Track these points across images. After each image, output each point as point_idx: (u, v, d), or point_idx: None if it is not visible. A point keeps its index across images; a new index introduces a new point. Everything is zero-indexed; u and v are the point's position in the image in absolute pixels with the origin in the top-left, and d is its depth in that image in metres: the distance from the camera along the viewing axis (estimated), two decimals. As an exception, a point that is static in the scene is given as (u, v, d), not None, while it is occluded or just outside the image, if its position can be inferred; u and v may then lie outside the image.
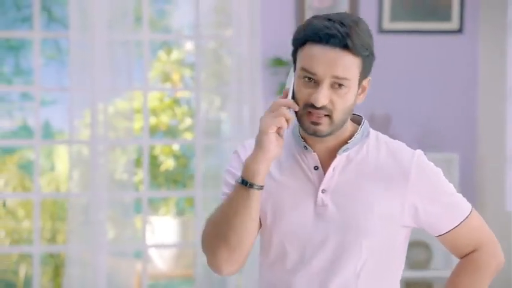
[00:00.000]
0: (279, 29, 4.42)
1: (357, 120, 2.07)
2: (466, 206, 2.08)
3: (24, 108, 7.26)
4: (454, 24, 4.57)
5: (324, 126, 1.95)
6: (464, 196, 2.10)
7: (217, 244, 1.98)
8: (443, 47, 4.59)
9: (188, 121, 7.15)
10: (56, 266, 6.47)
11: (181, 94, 7.46)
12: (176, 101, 7.34)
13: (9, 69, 7.29)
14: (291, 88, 1.98)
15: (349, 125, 2.04)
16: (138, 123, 5.68)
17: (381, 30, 4.50)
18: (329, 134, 1.97)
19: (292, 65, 2.02)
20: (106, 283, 4.25)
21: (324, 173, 2.01)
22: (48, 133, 6.96)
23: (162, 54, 7.37)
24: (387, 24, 4.53)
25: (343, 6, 4.44)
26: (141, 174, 4.83)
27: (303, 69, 1.95)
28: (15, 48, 7.24)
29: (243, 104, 4.34)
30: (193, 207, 4.57)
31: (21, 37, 7.04)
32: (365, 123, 2.06)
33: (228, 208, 1.98)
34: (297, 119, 1.98)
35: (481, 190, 4.56)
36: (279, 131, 1.94)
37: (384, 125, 4.34)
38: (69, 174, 4.36)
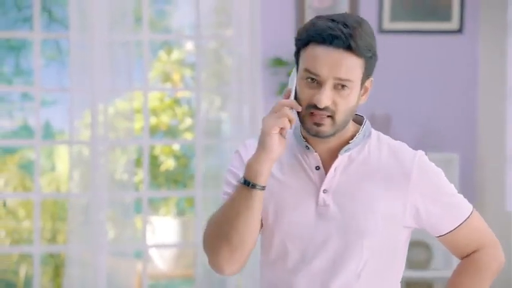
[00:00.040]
0: (279, 29, 4.43)
1: (358, 121, 2.08)
2: (467, 207, 2.08)
3: (24, 109, 7.26)
4: (454, 24, 4.57)
5: (327, 127, 1.95)
6: (464, 196, 2.10)
7: (219, 244, 1.99)
8: (443, 47, 4.59)
9: (188, 121, 7.15)
10: (56, 266, 6.47)
11: (182, 94, 7.46)
12: (176, 101, 7.34)
13: (9, 70, 7.29)
14: (294, 88, 1.98)
15: (351, 125, 2.04)
16: (138, 124, 5.68)
17: (381, 30, 4.50)
18: (332, 134, 1.97)
19: (295, 65, 2.02)
20: (106, 283, 4.25)
21: (326, 173, 2.02)
22: (48, 133, 6.96)
23: (162, 54, 7.37)
24: (387, 24, 4.54)
25: (343, 6, 4.44)
26: (142, 174, 4.83)
27: (306, 70, 1.95)
28: (16, 48, 7.24)
29: (243, 104, 4.34)
30: (194, 207, 4.57)
31: (22, 37, 7.05)
32: (367, 123, 2.07)
33: (230, 208, 1.98)
34: (300, 119, 1.99)
35: (481, 190, 4.56)
36: (281, 132, 1.94)
37: (384, 125, 4.34)
38: (69, 175, 4.36)
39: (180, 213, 7.35)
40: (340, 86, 1.94)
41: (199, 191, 4.44)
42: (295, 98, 1.98)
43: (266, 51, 4.41)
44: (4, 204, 6.77)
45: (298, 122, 2.01)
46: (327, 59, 1.92)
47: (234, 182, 2.04)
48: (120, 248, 4.33)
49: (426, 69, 4.58)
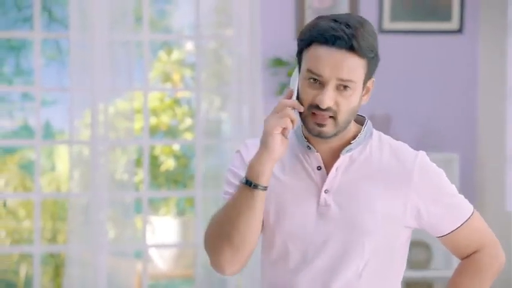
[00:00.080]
0: (279, 29, 4.43)
1: (360, 121, 2.08)
2: (467, 207, 2.09)
3: (24, 109, 7.26)
4: (454, 24, 4.57)
5: (329, 127, 1.95)
6: (464, 196, 2.11)
7: (221, 244, 1.99)
8: (443, 47, 4.59)
9: (188, 121, 7.15)
10: (57, 266, 6.47)
11: (182, 94, 7.46)
12: (176, 101, 7.34)
13: (9, 70, 7.29)
14: (296, 89, 1.98)
15: (353, 126, 2.04)
16: (138, 124, 5.68)
17: (381, 30, 4.50)
18: (334, 135, 1.97)
19: (297, 66, 2.02)
20: (106, 283, 4.25)
21: (327, 173, 2.02)
22: (48, 133, 6.96)
23: (162, 54, 7.37)
24: (387, 24, 4.54)
25: (343, 6, 4.44)
26: (142, 174, 4.83)
27: (309, 70, 1.95)
28: (16, 48, 7.24)
29: (243, 104, 4.34)
30: (194, 207, 4.57)
31: (22, 37, 7.05)
32: (368, 123, 2.07)
33: (232, 208, 1.98)
34: (301, 119, 1.99)
35: (481, 190, 4.57)
36: (283, 132, 1.94)
37: (384, 125, 4.34)
38: (69, 174, 4.36)
39: (180, 213, 7.35)
40: (343, 86, 1.94)
41: (199, 191, 4.44)
42: (297, 98, 1.98)
43: (266, 52, 4.41)
44: (4, 204, 6.77)
45: (299, 122, 2.01)
46: (330, 60, 1.92)
47: (235, 182, 2.04)
48: (120, 248, 4.34)
49: (426, 69, 4.59)
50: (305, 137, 2.04)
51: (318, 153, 2.03)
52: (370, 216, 1.99)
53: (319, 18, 1.98)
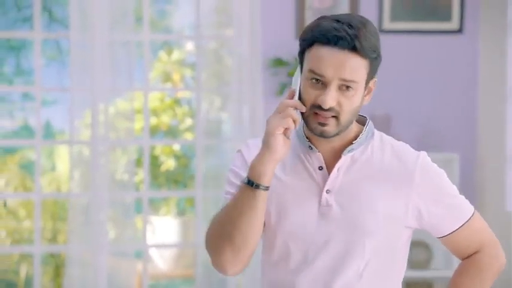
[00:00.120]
0: (279, 29, 4.43)
1: (361, 121, 2.08)
2: (468, 208, 2.09)
3: (25, 109, 7.27)
4: (454, 24, 4.57)
5: (331, 127, 1.96)
6: (464, 196, 2.11)
7: (222, 244, 1.99)
8: (443, 47, 4.59)
9: (189, 121, 7.15)
10: (57, 266, 6.47)
11: (182, 94, 7.46)
12: (177, 101, 7.35)
13: (10, 70, 7.29)
14: (298, 89, 1.98)
15: (354, 126, 2.04)
16: (138, 124, 5.68)
17: (381, 30, 4.50)
18: (336, 134, 1.98)
19: (299, 66, 2.02)
20: (107, 283, 4.25)
21: (329, 173, 2.02)
22: (49, 133, 6.97)
23: (162, 54, 7.38)
24: (387, 24, 4.54)
25: (343, 7, 4.44)
26: (142, 175, 4.83)
27: (311, 70, 1.95)
28: (16, 48, 7.25)
29: (243, 104, 4.35)
30: (194, 207, 4.57)
31: (22, 37, 7.05)
32: (370, 123, 2.07)
33: (234, 208, 1.98)
34: (303, 119, 1.99)
35: (481, 190, 4.57)
36: (286, 132, 1.94)
37: (384, 125, 4.34)
38: (70, 175, 4.36)
39: (181, 213, 7.35)
40: (345, 86, 1.94)
41: (200, 191, 4.44)
42: (299, 98, 1.98)
43: (266, 52, 4.41)
44: (5, 204, 6.77)
45: (301, 122, 2.01)
46: (332, 60, 1.92)
47: (236, 182, 2.04)
48: (121, 248, 4.34)
49: (426, 69, 4.59)
50: (307, 137, 2.04)
51: (320, 153, 2.03)
52: (372, 217, 1.99)
53: (321, 18, 1.98)
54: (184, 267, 6.61)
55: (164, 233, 6.85)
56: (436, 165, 2.07)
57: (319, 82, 1.94)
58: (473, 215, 2.09)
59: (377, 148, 2.05)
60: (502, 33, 4.49)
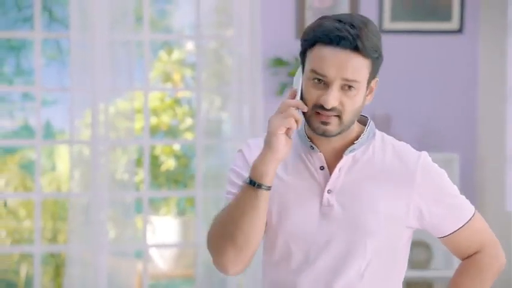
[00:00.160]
0: (279, 29, 4.43)
1: (362, 121, 2.08)
2: (469, 208, 2.09)
3: (25, 108, 7.27)
4: (454, 24, 4.57)
5: (333, 126, 1.96)
6: (464, 196, 2.11)
7: (224, 244, 1.99)
8: (443, 47, 4.60)
9: (189, 121, 7.15)
10: (57, 266, 6.47)
11: (182, 94, 7.46)
12: (177, 101, 7.35)
13: (10, 70, 7.29)
14: (299, 89, 1.98)
15: (355, 126, 2.04)
16: (138, 123, 5.69)
17: (381, 30, 4.50)
18: (338, 134, 1.98)
19: (300, 65, 2.02)
20: (107, 283, 4.25)
21: (330, 173, 2.02)
22: (49, 133, 6.97)
23: (162, 54, 7.37)
24: (387, 24, 4.54)
25: (344, 6, 4.44)
26: (142, 174, 4.83)
27: (313, 70, 1.95)
28: (16, 48, 7.25)
29: (243, 104, 4.35)
30: (194, 207, 4.57)
31: (22, 37, 7.05)
32: (371, 124, 2.07)
33: (235, 208, 1.98)
34: (305, 119, 1.99)
35: (481, 190, 4.57)
36: (288, 132, 1.95)
37: (384, 125, 4.34)
38: (70, 174, 4.36)
39: (181, 213, 7.35)
40: (347, 86, 1.94)
41: (200, 191, 4.45)
42: (301, 98, 1.98)
43: (266, 51, 4.41)
44: (5, 204, 6.77)
45: (303, 121, 2.01)
46: (334, 60, 1.92)
47: (238, 182, 2.04)
48: (121, 248, 4.34)
49: (426, 69, 4.59)
50: (308, 137, 2.04)
51: (321, 153, 2.03)
52: (373, 217, 1.99)
53: (323, 18, 1.98)
54: (185, 267, 6.61)
55: (164, 233, 6.85)
56: (437, 165, 2.07)
57: (321, 82, 1.94)
58: (474, 215, 2.09)
59: (378, 148, 2.05)
60: (502, 33, 4.49)
